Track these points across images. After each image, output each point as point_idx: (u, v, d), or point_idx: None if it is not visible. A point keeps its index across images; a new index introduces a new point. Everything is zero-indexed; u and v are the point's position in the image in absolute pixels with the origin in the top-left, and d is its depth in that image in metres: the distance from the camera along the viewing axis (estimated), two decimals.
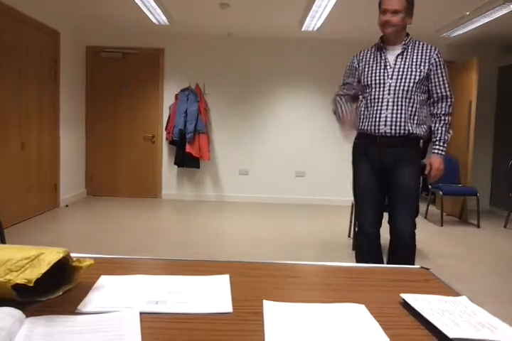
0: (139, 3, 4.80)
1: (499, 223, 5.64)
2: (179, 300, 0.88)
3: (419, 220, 5.60)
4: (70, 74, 5.86)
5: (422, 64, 2.61)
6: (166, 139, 6.45)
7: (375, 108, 2.62)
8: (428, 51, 2.65)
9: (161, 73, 6.50)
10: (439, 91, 2.65)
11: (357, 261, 2.82)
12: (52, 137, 5.40)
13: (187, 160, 6.28)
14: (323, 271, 1.15)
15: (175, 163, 6.40)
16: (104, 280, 0.97)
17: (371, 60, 2.69)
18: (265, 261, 1.17)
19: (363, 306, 0.88)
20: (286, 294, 0.95)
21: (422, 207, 6.03)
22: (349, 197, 4.72)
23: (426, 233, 5.00)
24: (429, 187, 5.67)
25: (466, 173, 5.67)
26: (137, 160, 6.60)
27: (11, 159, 4.52)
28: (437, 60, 2.65)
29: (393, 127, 2.59)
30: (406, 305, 0.90)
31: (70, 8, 5.37)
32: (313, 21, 5.31)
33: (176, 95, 6.37)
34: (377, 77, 2.62)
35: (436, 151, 2.69)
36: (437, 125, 2.68)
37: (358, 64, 2.76)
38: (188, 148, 6.16)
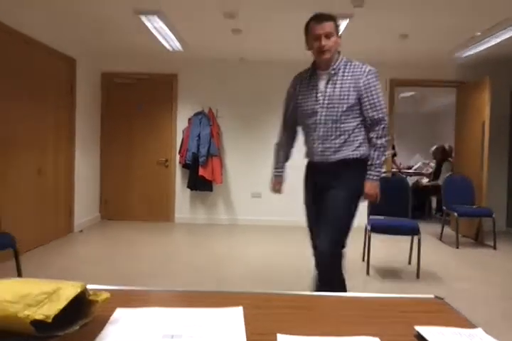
0: (154, 31, 4.93)
1: None
2: (194, 334, 0.88)
3: (434, 242, 5.55)
4: (86, 100, 5.99)
5: (351, 90, 2.52)
6: (179, 163, 6.51)
7: (310, 137, 2.65)
8: (358, 73, 2.54)
9: (174, 98, 6.61)
10: (370, 115, 2.56)
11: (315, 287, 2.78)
12: (68, 162, 5.49)
13: (200, 184, 6.32)
14: (338, 302, 1.15)
15: (188, 187, 6.44)
16: (119, 313, 0.98)
17: (304, 86, 2.66)
18: (279, 292, 1.17)
19: (377, 339, 0.88)
20: (300, 327, 0.95)
21: (437, 228, 5.97)
22: (361, 219, 4.69)
23: (441, 255, 4.93)
24: (444, 208, 5.62)
25: (481, 194, 5.61)
26: (150, 184, 6.65)
27: (28, 184, 4.59)
28: (367, 82, 2.54)
29: (325, 157, 2.60)
30: (420, 337, 0.89)
31: (85, 37, 5.53)
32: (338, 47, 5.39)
33: (189, 119, 6.46)
34: (310, 106, 2.59)
35: (367, 176, 2.60)
36: (371, 149, 2.60)
37: (294, 90, 2.73)
38: (201, 172, 6.21)
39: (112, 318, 0.95)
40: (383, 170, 2.69)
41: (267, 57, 6.35)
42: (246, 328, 0.91)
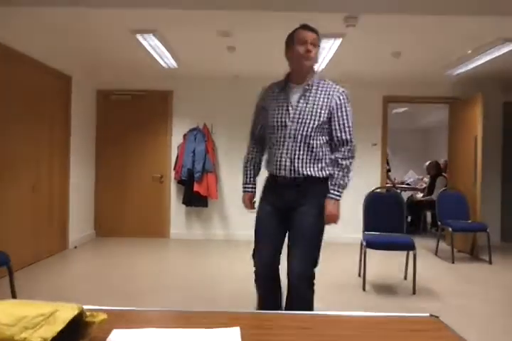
0: (149, 49, 4.98)
1: (511, 258, 5.55)
2: None
3: (429, 257, 5.55)
4: (81, 117, 6.01)
5: (323, 107, 2.50)
6: (175, 179, 6.51)
7: (277, 151, 2.56)
8: (331, 92, 2.52)
9: (169, 114, 6.64)
10: (339, 135, 2.54)
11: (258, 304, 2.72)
12: (62, 179, 5.48)
13: (195, 199, 6.32)
14: (334, 321, 1.15)
15: (183, 202, 6.43)
16: (116, 334, 0.98)
17: (275, 99, 2.59)
18: (276, 312, 1.18)
19: None
20: None
21: (433, 243, 5.98)
22: (356, 235, 4.70)
23: (437, 271, 4.92)
24: (439, 223, 5.64)
25: (475, 209, 5.64)
26: (145, 200, 6.64)
27: (22, 201, 4.57)
28: (339, 102, 2.53)
29: (292, 172, 2.53)
30: None
31: (81, 54, 5.57)
32: (318, 63, 5.46)
33: (184, 135, 6.49)
34: (280, 119, 2.53)
35: (329, 195, 2.53)
36: (335, 169, 2.55)
37: (263, 102, 2.67)
38: (196, 187, 6.21)
39: (108, 339, 0.95)
40: (343, 192, 2.58)
41: (260, 75, 6.39)
42: None
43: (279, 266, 2.65)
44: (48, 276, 4.37)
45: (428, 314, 1.20)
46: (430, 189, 7.66)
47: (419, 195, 8.05)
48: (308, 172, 2.52)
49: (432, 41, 4.71)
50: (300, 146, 2.51)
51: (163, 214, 6.64)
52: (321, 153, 2.55)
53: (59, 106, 5.37)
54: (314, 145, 2.52)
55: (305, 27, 2.53)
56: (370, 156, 6.66)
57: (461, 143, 6.18)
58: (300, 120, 2.50)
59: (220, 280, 4.35)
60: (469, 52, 5.01)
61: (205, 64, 5.92)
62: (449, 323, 1.12)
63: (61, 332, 0.84)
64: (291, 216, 2.57)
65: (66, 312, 0.87)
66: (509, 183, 6.60)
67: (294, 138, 2.51)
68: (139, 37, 4.56)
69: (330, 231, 6.73)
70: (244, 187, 2.80)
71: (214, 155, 6.48)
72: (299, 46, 2.48)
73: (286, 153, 2.53)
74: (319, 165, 2.55)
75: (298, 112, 2.51)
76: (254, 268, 2.65)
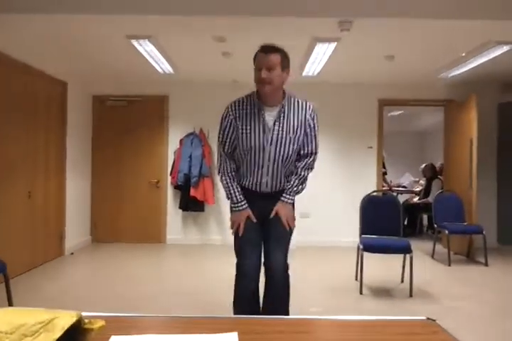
0: (145, 55, 4.99)
1: (507, 260, 5.57)
2: None
3: (426, 260, 5.57)
4: (77, 122, 6.00)
5: (299, 128, 2.55)
6: (171, 184, 6.52)
7: (256, 172, 2.58)
8: (304, 112, 2.57)
9: (165, 119, 6.65)
10: (307, 148, 2.64)
11: (238, 309, 2.74)
12: (58, 185, 5.47)
13: (191, 204, 6.32)
14: (331, 325, 1.16)
15: (179, 207, 6.43)
16: None
17: (249, 119, 2.52)
18: (274, 317, 1.18)
19: None
20: None
21: (429, 245, 5.99)
22: (353, 238, 4.71)
23: (434, 273, 4.94)
24: (435, 225, 5.65)
25: (471, 211, 5.66)
26: (142, 205, 6.63)
27: (18, 208, 4.56)
28: (311, 120, 2.60)
29: (273, 188, 2.63)
30: None
31: (77, 60, 5.57)
32: (313, 66, 5.49)
33: (181, 140, 6.49)
34: (258, 142, 2.50)
35: (282, 199, 2.62)
36: (294, 176, 2.63)
37: (236, 120, 2.55)
38: (192, 192, 6.21)
39: None
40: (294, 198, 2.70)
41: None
42: None
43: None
44: (44, 283, 4.35)
45: (425, 317, 1.20)
46: (426, 191, 7.68)
47: (416, 198, 8.08)
48: (284, 185, 2.65)
49: (425, 44, 4.74)
50: (279, 167, 2.59)
51: (159, 219, 6.63)
52: (292, 167, 2.67)
53: (55, 112, 5.37)
54: (290, 163, 2.63)
55: (264, 49, 2.47)
56: (365, 159, 6.69)
57: (457, 145, 6.21)
58: (279, 144, 2.53)
59: (217, 285, 4.34)
60: (463, 54, 5.04)
61: (200, 69, 5.94)
62: (445, 326, 1.13)
63: (60, 340, 0.84)
64: (268, 220, 2.64)
65: (65, 320, 0.87)
66: (505, 185, 6.63)
67: (274, 161, 2.56)
68: (135, 42, 4.57)
69: (325, 235, 6.76)
70: (241, 205, 2.61)
71: (211, 160, 6.48)
72: (255, 72, 2.48)
73: (267, 174, 2.59)
74: (289, 174, 2.68)
75: (276, 136, 2.51)
76: (237, 272, 2.74)
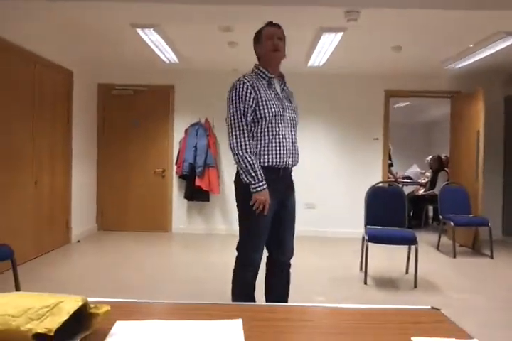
0: (150, 44, 4.98)
1: None
2: None
3: (431, 251, 5.57)
4: (83, 111, 6.01)
5: (293, 95, 2.80)
6: (176, 173, 6.53)
7: (277, 141, 2.57)
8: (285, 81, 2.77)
9: (171, 109, 6.65)
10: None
11: (237, 299, 2.74)
12: (64, 173, 5.49)
13: (197, 194, 6.33)
14: (335, 313, 1.16)
15: (185, 197, 6.45)
16: (119, 326, 0.99)
17: (263, 91, 2.58)
18: (278, 304, 1.19)
19: None
20: (299, 339, 0.96)
21: (434, 237, 5.99)
22: (359, 229, 4.71)
23: (438, 265, 4.94)
24: (441, 217, 5.64)
25: (477, 203, 5.64)
26: (147, 195, 6.66)
27: (25, 196, 4.59)
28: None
29: (294, 158, 2.67)
30: None
31: (82, 49, 5.57)
32: (319, 57, 5.45)
33: (186, 130, 6.49)
34: (275, 110, 2.56)
35: None
36: None
37: (254, 89, 2.54)
38: (197, 182, 6.22)
39: (111, 331, 0.96)
40: None
41: None
42: (245, 340, 0.93)
43: None
44: (51, 270, 4.39)
45: (429, 306, 1.20)
46: (432, 183, 7.66)
47: (422, 190, 8.05)
48: (298, 160, 2.75)
49: (433, 35, 4.70)
50: (294, 134, 2.70)
51: (165, 208, 6.66)
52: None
53: (61, 100, 5.37)
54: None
55: (272, 24, 2.67)
56: (371, 151, 6.66)
57: (463, 137, 6.17)
58: (291, 111, 2.68)
59: (222, 273, 4.36)
60: (471, 46, 4.99)
61: (206, 59, 5.92)
62: (449, 316, 1.13)
63: (66, 323, 0.85)
64: (283, 206, 2.68)
65: (70, 304, 0.88)
66: (511, 177, 6.59)
67: (289, 126, 2.65)
68: (140, 31, 4.56)
69: (331, 226, 6.77)
70: (264, 184, 2.50)
71: (216, 149, 6.49)
72: (267, 41, 2.62)
73: (287, 141, 2.62)
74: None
75: (286, 104, 2.66)
76: (247, 263, 2.71)
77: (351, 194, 6.51)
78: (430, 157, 8.02)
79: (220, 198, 6.60)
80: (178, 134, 6.60)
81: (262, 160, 2.56)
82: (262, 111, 2.53)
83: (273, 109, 2.56)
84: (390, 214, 4.33)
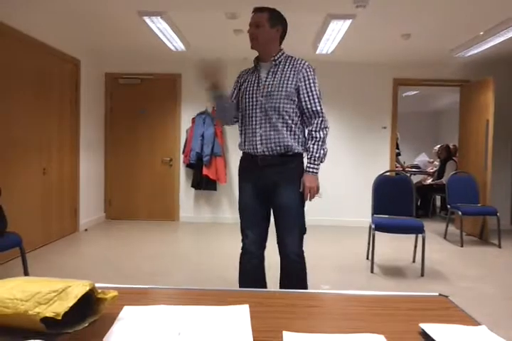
0: (158, 32, 4.95)
1: None
2: (201, 331, 0.90)
3: (438, 240, 5.55)
4: (90, 100, 6.01)
5: (290, 79, 2.56)
6: (183, 162, 6.53)
7: (250, 127, 2.60)
8: (298, 65, 2.59)
9: (178, 97, 6.63)
10: (308, 106, 2.57)
11: (241, 285, 2.73)
12: (72, 162, 5.52)
13: (204, 183, 6.34)
14: (342, 300, 1.16)
15: (192, 186, 6.46)
16: (127, 311, 1.00)
17: (248, 78, 2.70)
18: (284, 290, 1.19)
19: (382, 337, 0.89)
20: (305, 324, 0.96)
21: (442, 227, 5.97)
22: (366, 218, 4.70)
23: (446, 254, 4.93)
24: (448, 207, 5.61)
25: (485, 193, 5.61)
26: (155, 184, 6.68)
27: (33, 184, 4.62)
28: (306, 74, 2.57)
29: (268, 145, 2.54)
30: (425, 335, 0.91)
31: (89, 38, 5.55)
32: (327, 44, 5.40)
33: (193, 119, 6.48)
34: (250, 95, 2.60)
35: (307, 169, 2.56)
36: (310, 142, 2.57)
37: (239, 80, 2.78)
38: (204, 171, 6.23)
39: (119, 316, 0.97)
40: (321, 164, 2.61)
41: None
42: (252, 326, 0.93)
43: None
44: (59, 258, 4.43)
45: (437, 293, 1.20)
46: (440, 173, 7.61)
47: (429, 179, 8.01)
48: (287, 144, 2.54)
49: (443, 22, 4.63)
50: (271, 119, 2.55)
51: (172, 197, 6.68)
52: (295, 129, 2.58)
53: (68, 89, 5.38)
54: (288, 118, 2.56)
55: (253, 9, 2.63)
56: (379, 140, 6.62)
57: (472, 126, 6.11)
58: (269, 93, 2.56)
59: (229, 261, 4.38)
60: (481, 33, 4.91)
61: (213, 46, 5.87)
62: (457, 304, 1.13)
63: (73, 308, 0.85)
64: (273, 197, 2.61)
65: (78, 289, 0.88)
66: None
67: (266, 111, 2.55)
68: (147, 19, 4.53)
69: (338, 215, 6.77)
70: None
71: (223, 138, 6.47)
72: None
73: (260, 128, 2.56)
74: (298, 139, 2.59)
75: (267, 86, 2.58)
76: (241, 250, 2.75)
77: (358, 183, 6.50)
78: (438, 146, 7.96)
79: (227, 187, 6.61)
80: (185, 123, 6.59)
81: (242, 147, 2.69)
82: (239, 98, 2.69)
83: (247, 95, 2.62)
84: (398, 203, 4.31)
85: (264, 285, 2.83)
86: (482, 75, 6.00)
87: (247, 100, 2.61)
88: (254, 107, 2.58)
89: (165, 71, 6.59)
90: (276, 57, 2.61)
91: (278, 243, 2.69)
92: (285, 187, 2.57)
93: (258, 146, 2.56)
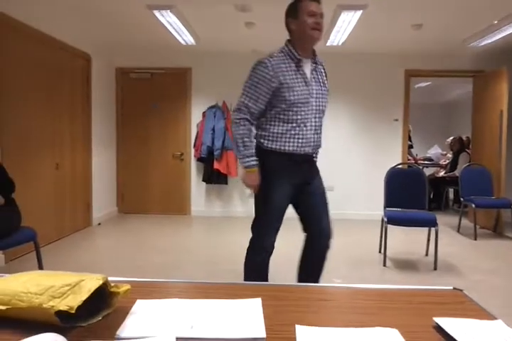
0: (167, 26, 4.94)
1: None
2: (213, 324, 0.90)
3: (451, 234, 5.51)
4: (101, 95, 6.03)
5: (325, 79, 2.60)
6: (194, 156, 6.54)
7: (297, 129, 2.48)
8: (322, 63, 2.62)
9: (188, 92, 6.63)
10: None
11: (249, 279, 2.71)
12: (85, 157, 5.55)
13: (215, 177, 6.35)
14: (355, 293, 1.15)
15: (203, 180, 6.47)
16: (140, 304, 1.00)
17: (290, 73, 2.44)
18: (297, 284, 1.18)
19: (395, 330, 0.88)
20: (318, 318, 0.96)
21: (455, 220, 5.92)
22: (378, 212, 4.68)
23: (459, 247, 4.89)
24: (461, 199, 5.56)
25: (500, 185, 5.54)
26: (166, 178, 6.70)
27: (47, 179, 4.66)
28: (326, 72, 2.66)
29: (315, 148, 2.59)
30: (439, 329, 0.90)
31: (100, 33, 5.57)
32: (338, 36, 5.35)
33: (204, 113, 6.48)
34: (302, 96, 2.44)
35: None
36: None
37: (279, 77, 2.42)
38: (215, 165, 6.23)
39: (132, 309, 0.97)
40: None
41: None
42: (265, 319, 0.92)
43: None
44: (73, 252, 4.48)
45: (451, 287, 1.19)
46: (453, 165, 7.54)
47: (442, 172, 7.94)
48: (321, 145, 2.66)
49: (455, 11, 4.55)
50: (319, 122, 2.57)
51: (183, 191, 6.70)
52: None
53: (79, 84, 5.40)
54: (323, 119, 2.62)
55: None
56: (391, 132, 6.57)
57: (486, 117, 6.03)
58: (318, 95, 2.52)
59: (240, 254, 4.39)
60: (495, 22, 4.83)
61: (223, 40, 5.86)
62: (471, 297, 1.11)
63: (87, 302, 0.86)
64: (308, 187, 2.63)
65: (91, 282, 0.88)
66: None
67: (316, 113, 2.52)
68: (157, 13, 4.52)
69: (350, 208, 6.73)
70: (252, 160, 2.49)
71: None
72: (308, 18, 2.42)
73: (311, 130, 2.52)
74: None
75: (315, 88, 2.50)
76: (258, 243, 2.74)
77: (371, 175, 6.46)
78: (451, 138, 7.88)
79: (238, 181, 6.61)
80: (195, 117, 6.60)
81: (278, 146, 2.51)
82: (283, 97, 2.43)
83: (296, 96, 2.43)
84: (410, 196, 4.28)
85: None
86: (496, 65, 5.91)
87: (300, 101, 2.44)
88: (306, 109, 2.47)
89: (175, 65, 6.59)
90: (315, 54, 2.56)
91: (314, 225, 2.69)
92: (318, 177, 2.68)
93: (306, 148, 2.53)
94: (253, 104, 2.47)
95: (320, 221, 2.66)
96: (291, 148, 2.51)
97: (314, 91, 2.49)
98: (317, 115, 2.52)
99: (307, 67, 2.51)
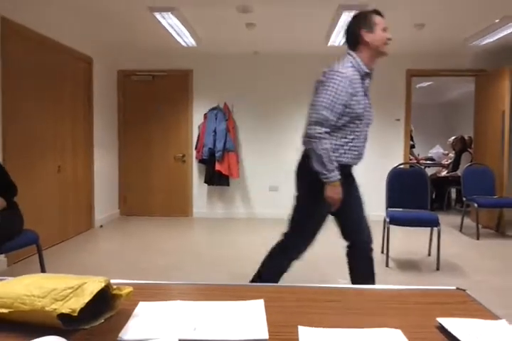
0: (169, 28, 4.95)
1: None
2: (216, 326, 0.89)
3: (454, 233, 5.50)
4: (103, 97, 6.04)
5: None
6: (196, 158, 6.55)
7: (357, 141, 2.50)
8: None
9: (190, 93, 6.63)
10: None
11: (265, 276, 2.78)
12: (87, 159, 5.56)
13: (216, 178, 6.35)
14: (358, 294, 1.15)
15: (205, 182, 6.47)
16: (142, 306, 1.00)
17: (357, 85, 2.43)
18: (299, 285, 1.18)
19: (399, 331, 0.88)
20: (321, 319, 0.96)
21: (457, 219, 5.90)
22: (380, 212, 4.66)
23: (461, 247, 4.88)
24: (464, 199, 5.55)
25: (502, 184, 5.53)
26: (168, 180, 6.71)
27: (49, 182, 4.66)
28: None
29: (361, 159, 2.65)
30: (443, 329, 0.89)
31: (102, 35, 5.58)
32: (340, 36, 5.34)
33: (205, 114, 6.48)
34: (365, 109, 2.46)
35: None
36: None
37: (353, 89, 2.40)
38: (217, 167, 6.23)
39: (135, 312, 0.97)
40: None
41: (281, 51, 6.32)
42: (267, 320, 0.92)
43: None
44: (75, 254, 4.48)
45: (455, 287, 1.18)
46: (455, 165, 7.53)
47: (444, 172, 7.93)
48: None
49: (457, 10, 4.55)
50: (368, 131, 2.60)
51: (185, 193, 6.70)
52: None
53: (81, 87, 5.41)
54: None
55: (380, 13, 2.53)
56: (393, 132, 6.56)
57: (488, 117, 6.02)
58: (371, 108, 2.56)
59: (244, 256, 4.39)
60: (496, 21, 4.82)
61: (224, 41, 5.86)
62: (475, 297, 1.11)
63: (89, 304, 0.86)
64: (349, 196, 2.58)
65: (93, 285, 0.88)
66: None
67: (368, 125, 2.56)
68: (158, 15, 4.53)
69: None
70: (338, 174, 2.41)
71: (235, 134, 6.47)
72: (381, 32, 2.47)
73: (364, 142, 2.57)
74: None
75: (369, 99, 2.54)
76: (293, 250, 2.76)
77: (372, 175, 6.44)
78: (453, 138, 7.86)
79: (240, 182, 6.62)
80: (197, 119, 6.60)
81: (334, 158, 2.44)
82: (352, 109, 2.41)
83: (361, 109, 2.43)
84: (412, 196, 4.27)
85: None
86: (498, 64, 5.89)
87: (362, 113, 2.44)
88: (363, 121, 2.49)
89: (176, 67, 6.59)
90: (373, 67, 2.56)
91: (358, 233, 2.79)
92: (355, 184, 2.73)
93: (359, 160, 2.60)
94: (333, 116, 2.38)
95: (363, 228, 2.74)
96: (346, 160, 2.51)
97: (369, 104, 2.53)
98: (368, 127, 2.56)
99: (367, 81, 2.54)
